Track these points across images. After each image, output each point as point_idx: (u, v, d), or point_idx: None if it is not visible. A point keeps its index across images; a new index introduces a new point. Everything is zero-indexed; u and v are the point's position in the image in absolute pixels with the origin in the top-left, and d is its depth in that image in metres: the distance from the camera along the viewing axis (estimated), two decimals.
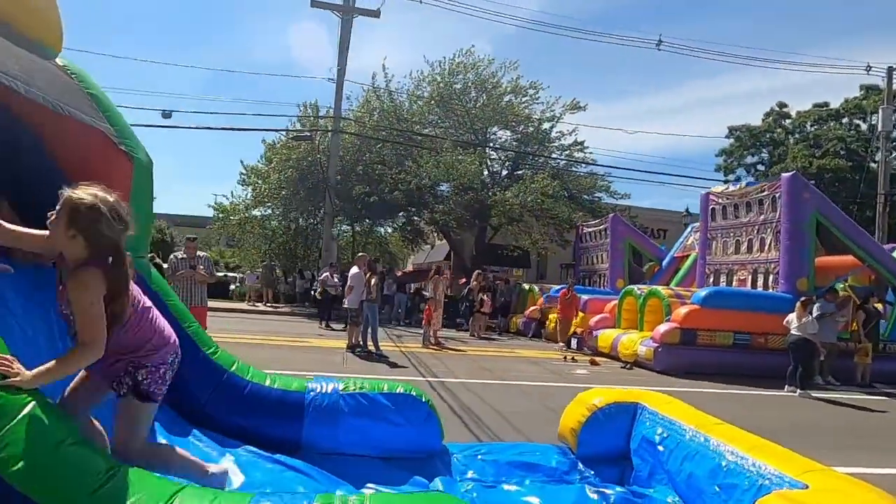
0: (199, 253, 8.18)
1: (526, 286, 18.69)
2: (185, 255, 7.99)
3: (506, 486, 3.18)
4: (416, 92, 22.90)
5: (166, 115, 19.73)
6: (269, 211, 23.65)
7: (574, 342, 13.17)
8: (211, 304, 16.84)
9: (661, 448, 3.23)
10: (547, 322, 15.64)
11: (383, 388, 3.54)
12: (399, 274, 22.86)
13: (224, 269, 24.87)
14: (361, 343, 10.54)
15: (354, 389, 3.49)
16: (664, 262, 17.22)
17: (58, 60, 3.22)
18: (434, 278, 12.68)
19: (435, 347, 12.03)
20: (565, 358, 11.68)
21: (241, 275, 25.78)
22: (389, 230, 27.09)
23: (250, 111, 40.64)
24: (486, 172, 22.57)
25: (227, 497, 1.89)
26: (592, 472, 3.49)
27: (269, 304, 20.71)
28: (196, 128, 23.37)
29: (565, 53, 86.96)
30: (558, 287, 16.40)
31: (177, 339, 2.40)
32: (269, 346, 10.78)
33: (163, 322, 2.37)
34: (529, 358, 11.68)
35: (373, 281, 10.32)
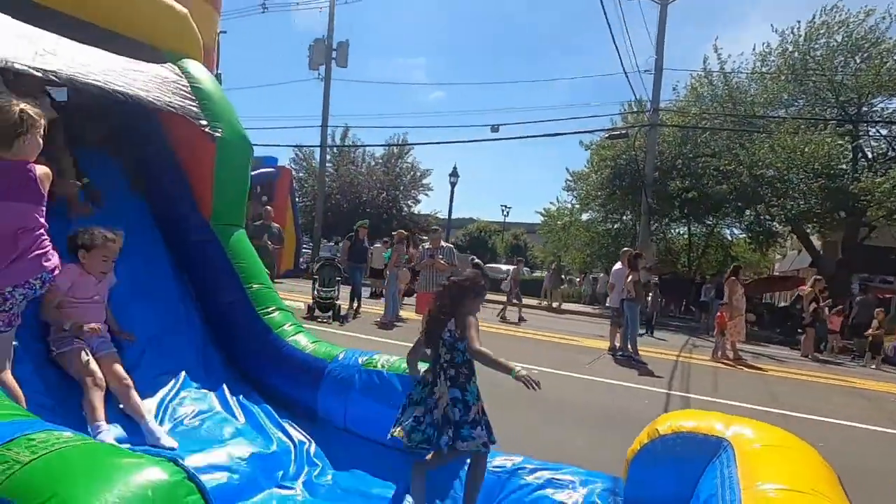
0: (443, 244, 8.77)
1: None
2: (429, 246, 8.69)
3: None
4: (762, 69, 19.52)
5: (494, 129, 21.68)
6: (595, 214, 23.55)
7: None
8: (498, 297, 17.68)
9: None
10: None
11: (404, 371, 3.16)
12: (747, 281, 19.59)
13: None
14: (622, 346, 9.57)
15: (374, 366, 3.22)
16: None
17: (181, 63, 3.92)
18: (729, 281, 10.59)
19: (728, 362, 10.03)
20: None
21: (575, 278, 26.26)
22: (737, 231, 23.68)
23: (566, 116, 40.77)
24: (853, 154, 17.70)
25: None
26: None
27: (554, 304, 20.35)
28: (519, 137, 24.88)
29: None
30: None
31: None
32: (517, 339, 10.78)
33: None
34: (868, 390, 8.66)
35: (632, 278, 9.25)
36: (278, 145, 53.97)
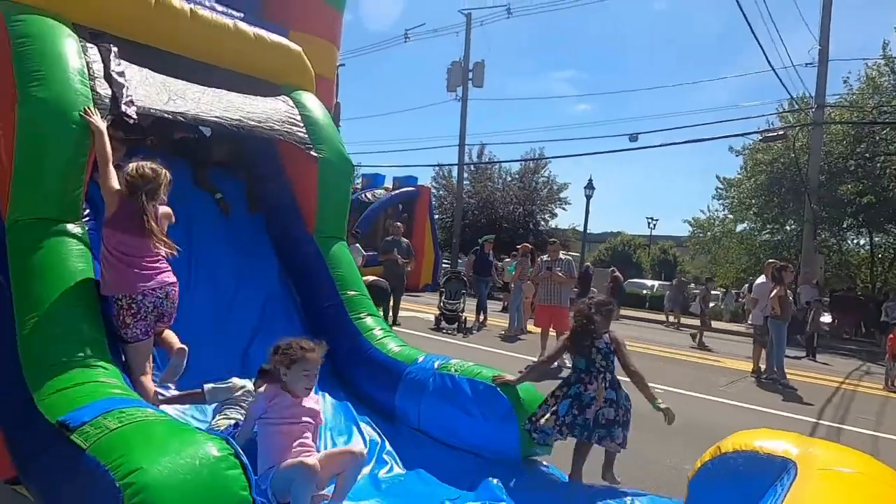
0: (561, 256, 8.64)
1: None
2: (547, 258, 8.61)
3: None
4: None
5: (633, 138, 20.83)
6: (751, 224, 21.54)
7: None
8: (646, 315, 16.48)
9: None
10: None
11: (476, 375, 3.24)
12: None
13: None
14: (767, 368, 8.65)
15: (449, 371, 3.34)
16: None
17: (294, 95, 4.40)
18: None
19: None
20: None
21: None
22: None
23: (713, 120, 36.81)
24: None
25: None
26: None
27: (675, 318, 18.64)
28: (661, 145, 23.52)
29: None
30: None
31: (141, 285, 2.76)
32: (647, 355, 10.16)
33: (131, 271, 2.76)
34: None
35: (777, 293, 8.35)
36: (420, 165, 56.63)
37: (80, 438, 1.96)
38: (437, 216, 27.67)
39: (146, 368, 2.89)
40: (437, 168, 29.07)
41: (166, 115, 3.39)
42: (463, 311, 11.32)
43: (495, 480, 2.84)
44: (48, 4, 3.22)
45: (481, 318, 12.12)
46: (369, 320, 3.91)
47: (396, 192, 21.17)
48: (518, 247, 11.99)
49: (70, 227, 2.91)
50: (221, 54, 4.06)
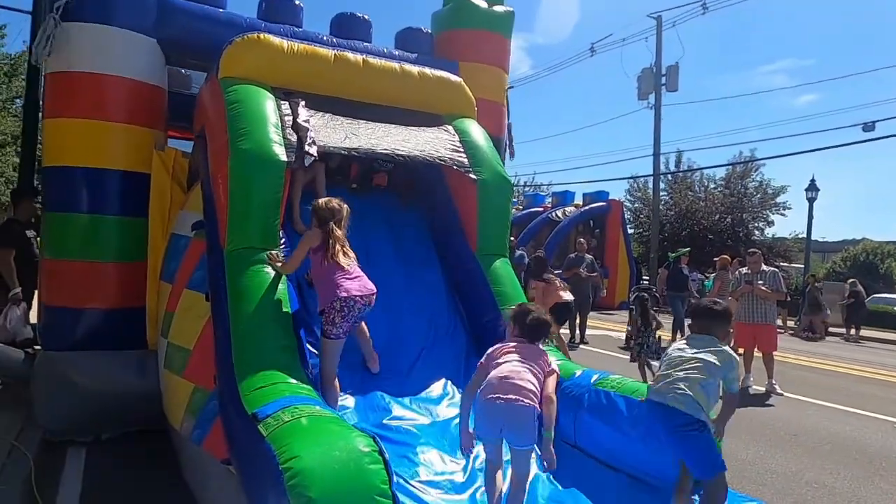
0: (764, 268, 7.71)
1: None
2: (747, 271, 7.75)
3: None
4: None
5: (868, 127, 17.77)
6: None
7: None
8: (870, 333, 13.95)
9: None
10: None
11: (633, 393, 3.10)
12: None
13: None
14: None
15: (606, 387, 3.24)
16: None
17: (456, 122, 4.71)
18: None
19: None
20: None
21: None
22: None
23: None
24: None
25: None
26: None
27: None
28: None
29: None
30: None
31: (350, 292, 3.21)
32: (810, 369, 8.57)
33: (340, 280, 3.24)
34: None
35: None
36: (613, 179, 54.57)
37: (263, 428, 2.35)
38: (632, 230, 26.50)
39: (336, 365, 3.35)
40: (631, 181, 27.91)
41: (342, 151, 3.90)
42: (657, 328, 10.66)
43: None
44: (252, 74, 3.96)
45: (677, 336, 11.28)
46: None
47: (586, 208, 20.80)
48: (716, 259, 10.95)
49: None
50: (390, 95, 4.53)
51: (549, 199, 23.70)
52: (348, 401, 3.51)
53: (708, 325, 2.94)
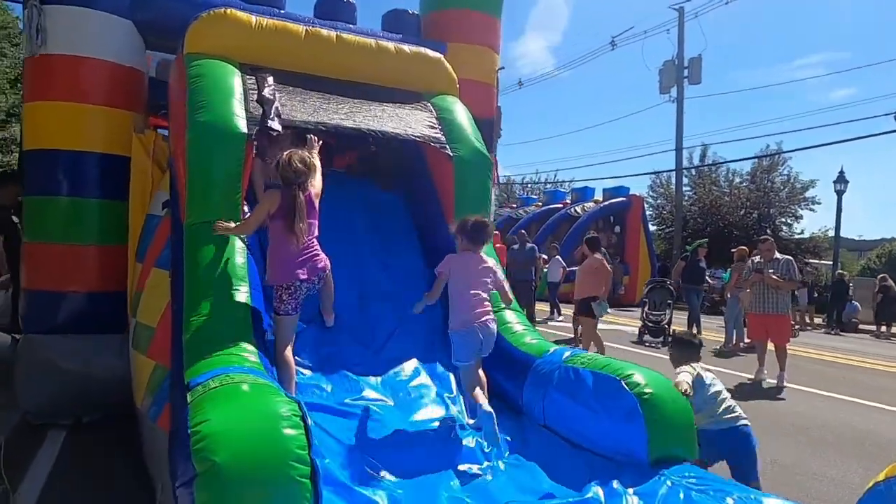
0: (777, 256, 7.37)
1: None
2: (759, 259, 7.42)
3: None
4: None
5: None
6: None
7: None
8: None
9: None
10: None
11: (602, 368, 2.91)
12: None
13: None
14: None
15: (576, 363, 3.06)
16: None
17: (434, 100, 4.57)
18: None
19: None
20: None
21: None
22: None
23: None
24: None
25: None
26: None
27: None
28: None
29: None
30: None
31: (297, 277, 3.07)
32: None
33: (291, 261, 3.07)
34: None
35: None
36: (633, 175, 53.36)
37: (191, 395, 2.25)
38: (654, 227, 25.92)
39: (289, 340, 3.21)
40: (653, 176, 27.34)
41: (308, 126, 3.79)
42: (669, 322, 10.34)
43: (615, 484, 2.51)
44: (218, 50, 3.87)
45: (694, 331, 10.92)
46: (507, 314, 3.79)
47: (606, 203, 20.42)
48: (733, 251, 10.57)
49: None
50: (366, 71, 4.39)
51: (569, 196, 23.37)
52: (314, 378, 3.41)
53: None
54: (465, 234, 3.37)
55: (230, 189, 3.46)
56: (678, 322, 11.12)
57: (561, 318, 12.88)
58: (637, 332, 10.67)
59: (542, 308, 13.28)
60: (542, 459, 2.90)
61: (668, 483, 2.47)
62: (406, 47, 4.58)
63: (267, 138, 3.60)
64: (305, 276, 3.12)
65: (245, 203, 3.58)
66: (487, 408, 2.96)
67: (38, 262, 4.61)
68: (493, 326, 3.28)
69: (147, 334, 3.64)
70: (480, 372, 3.29)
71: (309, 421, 2.04)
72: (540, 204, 23.99)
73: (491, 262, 3.45)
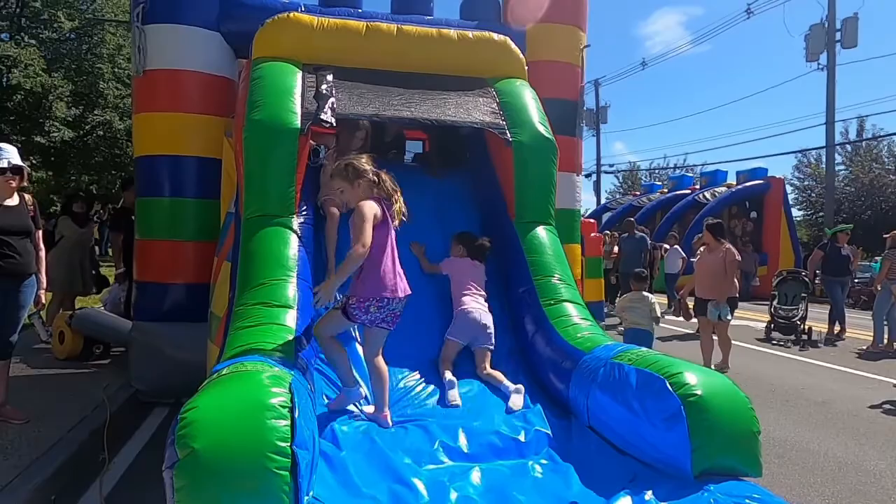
0: None
1: None
2: None
3: None
4: None
5: None
6: None
7: None
8: None
9: None
10: None
11: (649, 365, 2.61)
12: None
13: None
14: None
15: (623, 360, 2.77)
16: None
17: (498, 84, 4.41)
18: None
19: None
20: None
21: None
22: None
23: None
24: None
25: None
26: None
27: None
28: None
29: None
30: None
31: (398, 292, 2.85)
32: None
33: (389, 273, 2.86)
34: None
35: None
36: (774, 154, 47.41)
37: (205, 383, 2.33)
38: (802, 212, 23.27)
39: (379, 351, 3.03)
40: (799, 155, 24.52)
41: (362, 118, 3.82)
42: (804, 319, 9.18)
43: (648, 495, 2.24)
44: (283, 53, 4.04)
45: (836, 328, 9.62)
46: (563, 307, 3.56)
47: (739, 187, 18.64)
48: (886, 236, 9.11)
49: (286, 220, 3.53)
50: (427, 61, 4.34)
51: (697, 181, 21.65)
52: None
53: None
54: (467, 246, 3.87)
55: (284, 182, 3.59)
56: (816, 318, 9.87)
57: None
58: (764, 328, 9.63)
59: (661, 301, 12.44)
60: (582, 463, 2.67)
61: (711, 501, 2.15)
62: (470, 34, 4.46)
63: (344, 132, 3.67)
64: (403, 295, 2.91)
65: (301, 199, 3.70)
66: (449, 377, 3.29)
67: (146, 256, 5.16)
68: (484, 319, 3.58)
69: (216, 324, 3.90)
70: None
71: (297, 413, 2.03)
72: (665, 190, 22.48)
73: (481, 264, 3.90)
